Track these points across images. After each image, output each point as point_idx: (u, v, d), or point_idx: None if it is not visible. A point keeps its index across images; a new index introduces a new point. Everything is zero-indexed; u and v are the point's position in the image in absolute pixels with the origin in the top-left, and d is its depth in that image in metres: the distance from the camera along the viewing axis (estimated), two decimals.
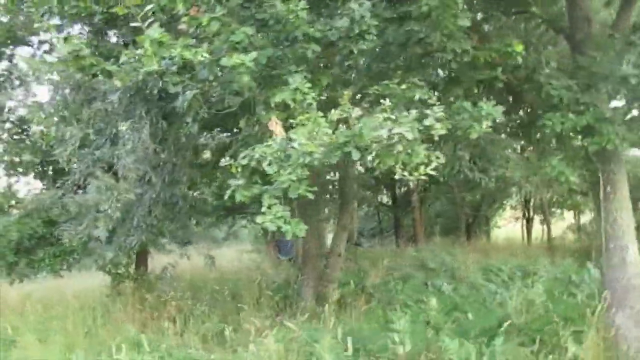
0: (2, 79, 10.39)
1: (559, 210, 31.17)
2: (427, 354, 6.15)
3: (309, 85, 4.10)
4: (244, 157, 4.22)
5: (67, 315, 10.35)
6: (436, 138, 4.32)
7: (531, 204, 28.83)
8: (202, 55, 4.05)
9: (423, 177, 4.24)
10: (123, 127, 5.97)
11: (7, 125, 9.26)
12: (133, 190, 5.97)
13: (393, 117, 3.81)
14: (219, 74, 4.32)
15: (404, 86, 4.55)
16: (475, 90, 6.46)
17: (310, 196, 4.06)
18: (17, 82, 10.06)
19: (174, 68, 4.29)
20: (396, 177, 3.97)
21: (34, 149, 8.91)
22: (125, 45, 5.56)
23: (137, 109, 6.39)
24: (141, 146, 5.89)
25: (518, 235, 31.63)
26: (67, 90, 6.52)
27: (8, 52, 10.49)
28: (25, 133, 9.95)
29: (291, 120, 4.17)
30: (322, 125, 3.77)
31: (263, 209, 4.01)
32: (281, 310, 10.06)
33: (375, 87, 4.63)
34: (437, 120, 4.13)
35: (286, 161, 3.89)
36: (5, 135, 9.60)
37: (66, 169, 7.81)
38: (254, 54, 4.06)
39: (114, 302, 10.39)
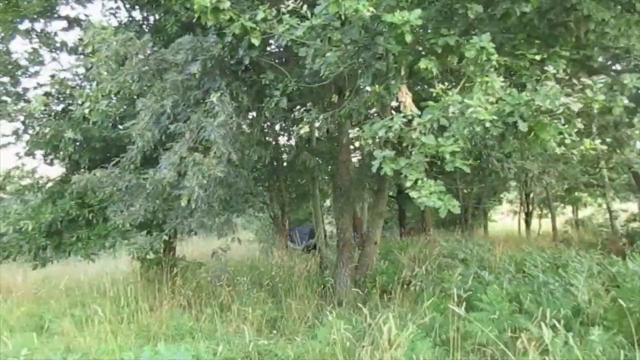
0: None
1: (560, 205, 31.32)
2: (522, 341, 5.90)
3: (493, 45, 3.78)
4: (380, 128, 3.90)
5: (93, 302, 10.00)
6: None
7: (531, 198, 29.12)
8: (367, 9, 3.70)
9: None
10: (213, 97, 5.57)
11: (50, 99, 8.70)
12: (219, 167, 5.56)
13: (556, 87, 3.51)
14: (383, 30, 3.94)
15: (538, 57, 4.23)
16: None
17: (467, 170, 3.75)
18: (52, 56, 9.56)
19: (337, 24, 3.92)
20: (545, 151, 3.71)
21: (75, 126, 8.41)
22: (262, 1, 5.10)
23: (217, 80, 5.99)
24: (230, 120, 5.49)
25: (512, 228, 31.90)
26: (136, 61, 6.07)
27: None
28: (66, 109, 9.43)
29: (437, 88, 3.83)
30: (497, 91, 3.47)
31: (408, 183, 3.69)
32: (322, 299, 9.77)
33: (532, 52, 4.29)
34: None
35: (448, 130, 3.57)
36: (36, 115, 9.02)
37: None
38: (418, 12, 3.73)
39: (146, 288, 10.00)
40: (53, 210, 9.29)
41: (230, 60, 6.12)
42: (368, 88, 4.78)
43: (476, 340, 6.30)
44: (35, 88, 10.15)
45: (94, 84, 7.72)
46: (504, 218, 36.25)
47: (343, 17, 3.82)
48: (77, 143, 8.57)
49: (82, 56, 9.77)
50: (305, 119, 5.37)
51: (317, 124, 5.55)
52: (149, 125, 6.13)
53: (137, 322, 8.63)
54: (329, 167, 13.57)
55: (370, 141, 4.04)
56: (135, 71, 6.07)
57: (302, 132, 5.39)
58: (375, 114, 4.99)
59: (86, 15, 11.25)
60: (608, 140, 15.64)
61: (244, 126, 6.19)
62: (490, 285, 9.48)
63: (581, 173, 19.90)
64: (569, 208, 32.26)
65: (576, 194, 26.60)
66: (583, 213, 32.32)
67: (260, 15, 4.44)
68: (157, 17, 8.98)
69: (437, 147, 3.65)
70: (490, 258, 13.25)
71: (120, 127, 9.14)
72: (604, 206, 24.30)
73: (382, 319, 7.73)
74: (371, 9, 3.71)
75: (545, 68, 4.29)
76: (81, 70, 9.58)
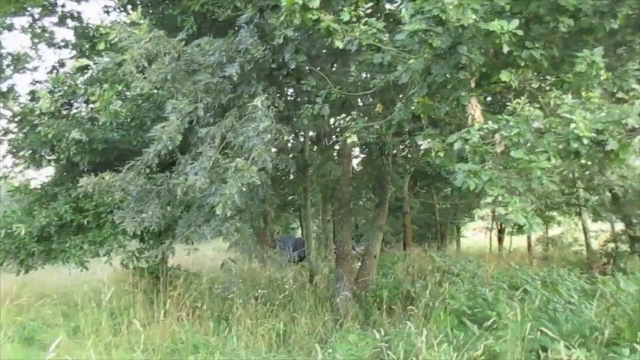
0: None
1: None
2: None
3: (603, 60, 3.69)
4: (456, 140, 3.76)
5: (81, 312, 9.51)
6: None
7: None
8: (472, 17, 3.56)
9: None
10: (257, 101, 5.31)
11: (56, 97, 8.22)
12: (258, 175, 5.29)
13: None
14: (465, 38, 3.81)
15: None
16: None
17: (555, 187, 3.64)
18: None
19: (439, 29, 3.75)
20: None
21: (80, 126, 7.99)
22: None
23: (253, 85, 5.75)
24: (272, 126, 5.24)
25: (483, 244, 32.37)
26: (168, 60, 5.76)
27: None
28: (71, 109, 8.95)
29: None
30: (598, 107, 3.38)
31: (489, 199, 3.56)
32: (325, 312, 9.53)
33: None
34: None
35: (539, 145, 3.46)
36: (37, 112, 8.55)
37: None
38: (516, 22, 3.63)
39: (140, 298, 9.56)
40: (46, 214, 8.79)
41: (272, 64, 5.90)
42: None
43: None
44: (34, 84, 9.65)
45: (100, 84, 7.36)
46: (475, 234, 36.71)
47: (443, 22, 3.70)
48: (79, 144, 8.13)
49: (82, 53, 9.35)
50: (352, 128, 5.21)
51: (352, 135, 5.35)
52: (180, 128, 5.83)
53: (135, 335, 8.19)
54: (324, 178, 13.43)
55: (442, 154, 3.92)
56: (168, 70, 5.79)
57: (349, 141, 5.23)
58: (425, 126, 4.84)
59: (78, 13, 10.85)
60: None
61: (284, 133, 5.96)
62: (497, 303, 9.51)
63: (559, 193, 20.29)
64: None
65: (550, 212, 27.12)
66: (552, 231, 33.00)
67: (346, 17, 4.28)
68: (162, 13, 8.63)
69: (528, 163, 3.54)
70: (482, 274, 13.31)
71: (122, 129, 8.76)
72: (578, 225, 24.84)
73: (399, 335, 7.63)
74: (473, 16, 3.60)
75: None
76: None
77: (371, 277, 10.99)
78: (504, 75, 3.87)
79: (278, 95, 6.06)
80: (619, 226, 21.45)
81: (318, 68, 6.12)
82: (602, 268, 16.87)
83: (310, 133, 11.58)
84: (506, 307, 8.54)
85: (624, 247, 17.68)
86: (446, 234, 30.11)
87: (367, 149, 12.09)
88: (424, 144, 4.17)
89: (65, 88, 8.24)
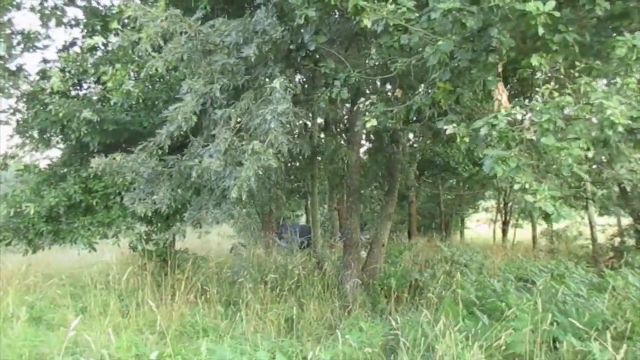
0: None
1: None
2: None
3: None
4: (483, 125, 3.66)
5: (87, 293, 9.51)
6: None
7: (509, 207, 29.59)
8: None
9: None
10: (276, 83, 5.21)
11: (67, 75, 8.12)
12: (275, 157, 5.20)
13: None
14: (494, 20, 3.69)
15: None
16: None
17: (586, 177, 3.55)
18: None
19: (473, 8, 3.63)
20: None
21: (91, 106, 7.90)
22: None
23: (269, 66, 5.64)
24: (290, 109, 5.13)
25: (486, 236, 32.38)
26: (185, 39, 5.65)
27: None
28: (81, 89, 8.86)
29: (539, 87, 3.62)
30: (636, 93, 3.28)
31: (516, 186, 3.47)
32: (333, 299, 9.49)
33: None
34: None
35: (570, 132, 3.36)
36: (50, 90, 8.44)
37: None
38: (552, 3, 3.51)
39: (148, 281, 9.53)
40: (55, 194, 8.74)
41: (290, 45, 5.79)
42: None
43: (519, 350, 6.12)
44: (44, 63, 9.52)
45: (113, 64, 7.26)
46: (478, 225, 36.66)
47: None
48: (90, 124, 8.04)
49: (93, 32, 9.22)
50: (371, 112, 5.11)
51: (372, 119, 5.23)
52: (195, 109, 5.73)
53: (144, 317, 8.18)
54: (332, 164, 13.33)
55: (467, 139, 3.82)
56: (184, 50, 5.68)
57: (368, 125, 5.13)
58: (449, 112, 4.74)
59: None
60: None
61: (301, 116, 5.86)
62: (506, 294, 9.46)
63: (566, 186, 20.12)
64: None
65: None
66: (557, 225, 32.91)
67: None
68: None
69: (559, 150, 3.44)
70: (489, 265, 13.27)
71: (133, 111, 8.66)
72: (584, 219, 24.78)
73: (410, 324, 7.59)
74: None
75: None
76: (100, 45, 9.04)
77: (379, 265, 10.93)
78: (535, 60, 3.75)
79: (294, 77, 5.94)
80: (625, 220, 21.37)
81: (335, 51, 5.99)
82: (609, 262, 16.80)
83: (319, 120, 11.49)
84: (516, 298, 8.50)
85: (631, 242, 17.56)
86: (450, 225, 30.11)
87: (375, 137, 11.97)
88: (448, 129, 4.05)
89: (77, 67, 8.14)
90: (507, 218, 30.47)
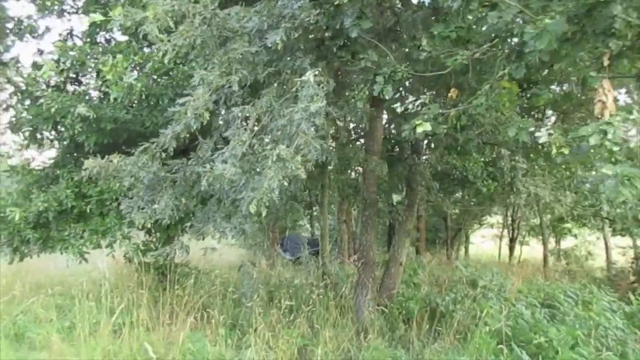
0: None
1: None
2: None
3: None
4: (592, 133, 2.80)
5: (78, 307, 8.62)
6: None
7: (517, 223, 28.81)
8: None
9: None
10: (309, 76, 4.33)
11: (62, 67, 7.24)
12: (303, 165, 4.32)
13: None
14: None
15: None
16: None
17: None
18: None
19: None
20: None
21: (87, 102, 7.05)
22: None
23: (297, 57, 4.80)
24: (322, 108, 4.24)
25: (491, 252, 31.58)
26: (198, 22, 4.80)
27: None
28: (78, 83, 7.99)
29: None
30: None
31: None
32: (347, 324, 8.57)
33: None
34: None
35: None
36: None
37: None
38: None
39: (143, 297, 8.63)
40: (45, 198, 7.86)
41: (325, 32, 4.92)
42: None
43: None
44: (39, 53, 8.67)
45: (110, 55, 6.40)
46: (483, 242, 35.89)
47: None
48: (86, 122, 7.18)
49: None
50: (422, 115, 4.25)
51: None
52: (209, 105, 4.87)
53: (138, 340, 7.27)
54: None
55: (566, 150, 2.98)
56: (197, 34, 4.83)
57: (419, 130, 4.26)
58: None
59: None
60: None
61: (336, 117, 4.98)
62: (537, 323, 8.60)
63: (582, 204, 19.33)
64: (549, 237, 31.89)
65: (567, 225, 26.26)
66: (564, 244, 32.13)
67: None
68: None
69: None
70: (510, 287, 12.37)
71: (135, 108, 7.80)
72: (599, 239, 24.00)
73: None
74: None
75: None
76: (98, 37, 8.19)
77: (396, 286, 10.03)
78: None
79: (327, 71, 5.08)
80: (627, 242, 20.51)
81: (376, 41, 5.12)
82: (630, 286, 15.95)
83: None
84: (556, 331, 7.64)
85: None
86: (455, 240, 29.27)
87: (396, 145, 11.08)
88: (542, 137, 3.21)
89: (73, 58, 7.27)
90: (515, 235, 29.62)
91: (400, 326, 8.99)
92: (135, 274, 9.91)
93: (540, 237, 30.22)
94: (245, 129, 4.85)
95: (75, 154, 8.68)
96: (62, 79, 6.92)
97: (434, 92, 6.11)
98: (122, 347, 6.95)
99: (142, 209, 6.17)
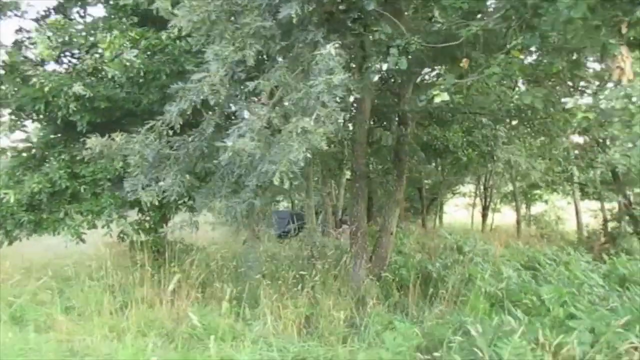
0: None
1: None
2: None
3: None
4: (617, 97, 2.97)
5: (75, 287, 8.59)
6: None
7: (489, 192, 29.54)
8: None
9: None
10: (329, 48, 4.34)
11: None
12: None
13: None
14: None
15: None
16: None
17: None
18: None
19: None
20: None
21: (83, 80, 6.90)
22: None
23: (309, 31, 4.81)
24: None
25: (463, 220, 32.42)
26: None
27: None
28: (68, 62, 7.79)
29: None
30: None
31: None
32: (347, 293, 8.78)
33: None
34: None
35: None
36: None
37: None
38: None
39: (141, 275, 8.62)
40: (38, 179, 7.74)
41: (340, 5, 4.94)
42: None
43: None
44: (21, 32, 8.38)
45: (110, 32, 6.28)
46: (457, 210, 36.71)
47: None
48: (79, 101, 7.05)
49: None
50: (438, 85, 4.37)
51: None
52: (224, 80, 4.87)
53: (143, 316, 7.31)
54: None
55: (591, 116, 3.15)
56: (211, 9, 4.79)
57: (437, 100, 4.39)
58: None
59: None
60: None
61: (353, 90, 5.03)
62: (525, 285, 8.97)
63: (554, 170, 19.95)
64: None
65: (539, 190, 27.11)
66: (534, 210, 33.11)
67: None
68: None
69: None
70: (493, 252, 12.82)
71: (130, 86, 7.67)
72: (570, 204, 24.91)
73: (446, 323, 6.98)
74: None
75: None
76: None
77: (388, 255, 10.30)
78: None
79: (343, 44, 5.11)
80: (608, 205, 21.43)
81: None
82: (602, 247, 16.71)
83: None
84: (548, 289, 7.99)
85: (625, 227, 17.46)
86: (430, 210, 29.85)
87: (383, 117, 11.21)
88: (568, 103, 3.35)
89: (63, 35, 7.06)
90: (488, 203, 30.36)
91: (394, 293, 9.26)
92: (130, 253, 9.90)
93: (512, 204, 31.21)
94: (263, 104, 4.88)
95: (65, 134, 8.53)
96: (55, 57, 6.73)
97: (442, 65, 6.20)
98: (129, 324, 6.98)
99: (147, 186, 6.16)
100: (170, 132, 5.82)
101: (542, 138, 15.69)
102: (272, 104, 4.83)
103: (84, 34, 7.23)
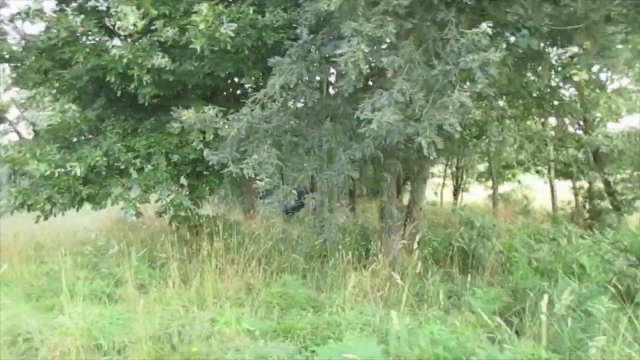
0: None
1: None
2: None
3: None
4: None
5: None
6: None
7: (461, 171, 30.53)
8: None
9: None
10: (483, 27, 4.50)
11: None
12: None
13: None
14: None
15: None
16: None
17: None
18: None
19: None
20: None
21: (165, 52, 6.76)
22: None
23: (442, 10, 4.99)
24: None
25: (432, 199, 33.40)
26: None
27: None
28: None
29: None
30: None
31: None
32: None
33: None
34: None
35: None
36: None
37: None
38: None
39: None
40: (98, 153, 7.66)
41: None
42: None
43: None
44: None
45: None
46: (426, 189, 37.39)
47: None
48: (150, 73, 6.97)
49: None
50: (574, 64, 4.68)
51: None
52: (367, 57, 5.00)
53: (214, 289, 7.35)
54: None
55: None
56: None
57: (575, 79, 4.71)
58: None
59: None
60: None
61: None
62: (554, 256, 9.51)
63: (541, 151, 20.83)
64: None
65: (514, 170, 28.23)
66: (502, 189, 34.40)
67: None
68: None
69: None
70: (501, 228, 13.43)
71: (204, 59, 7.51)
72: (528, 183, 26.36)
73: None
74: None
75: None
76: None
77: (419, 229, 10.70)
78: None
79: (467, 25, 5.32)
80: (579, 184, 22.65)
81: None
82: (586, 222, 17.80)
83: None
84: (585, 258, 8.55)
85: (604, 204, 18.58)
86: (402, 189, 30.54)
87: None
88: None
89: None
90: (459, 182, 31.30)
91: (432, 265, 9.65)
92: (167, 228, 9.88)
93: (481, 184, 32.39)
94: (403, 78, 5.05)
95: (116, 107, 8.41)
96: (138, 29, 6.58)
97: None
98: (205, 294, 7.04)
99: (239, 160, 6.26)
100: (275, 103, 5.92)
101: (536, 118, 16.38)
102: (402, 79, 5.01)
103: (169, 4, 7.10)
